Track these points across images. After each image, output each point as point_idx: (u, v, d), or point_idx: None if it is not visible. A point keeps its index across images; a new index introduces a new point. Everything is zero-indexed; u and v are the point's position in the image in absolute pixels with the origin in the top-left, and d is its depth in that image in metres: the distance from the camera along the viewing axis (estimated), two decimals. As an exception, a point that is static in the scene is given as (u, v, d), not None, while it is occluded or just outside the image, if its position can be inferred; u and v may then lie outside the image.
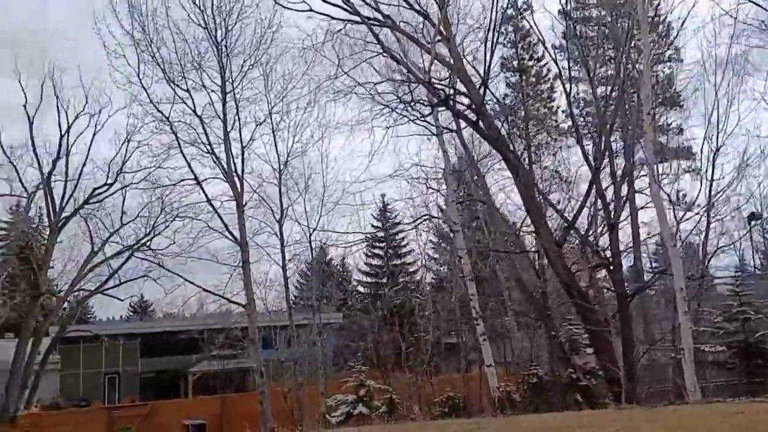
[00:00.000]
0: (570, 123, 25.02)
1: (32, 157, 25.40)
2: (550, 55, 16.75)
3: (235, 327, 35.22)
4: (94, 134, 25.15)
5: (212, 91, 17.95)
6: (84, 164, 25.41)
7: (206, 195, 17.33)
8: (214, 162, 17.59)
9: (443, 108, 14.43)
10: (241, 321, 20.17)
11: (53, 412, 28.41)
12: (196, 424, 23.80)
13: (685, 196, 19.77)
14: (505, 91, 25.24)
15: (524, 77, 24.79)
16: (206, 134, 17.77)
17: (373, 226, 53.34)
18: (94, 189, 25.74)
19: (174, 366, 40.10)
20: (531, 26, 18.32)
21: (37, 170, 25.85)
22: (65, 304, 27.35)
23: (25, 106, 24.77)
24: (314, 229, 20.24)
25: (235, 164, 17.98)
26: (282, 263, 19.40)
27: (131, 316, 59.98)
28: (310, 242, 20.22)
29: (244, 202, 17.89)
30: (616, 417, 10.69)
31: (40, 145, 25.82)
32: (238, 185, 17.87)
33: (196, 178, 17.25)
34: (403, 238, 55.03)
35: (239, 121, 17.88)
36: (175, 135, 17.08)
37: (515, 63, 24.85)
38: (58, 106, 24.77)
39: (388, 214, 54.53)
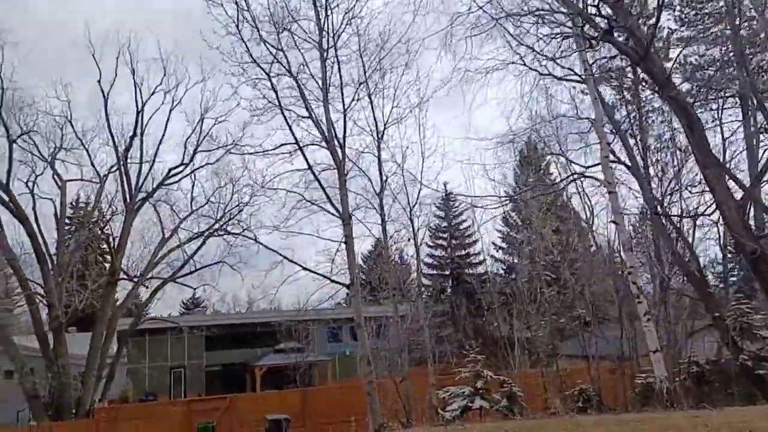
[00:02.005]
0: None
1: (107, 137, 24.37)
2: None
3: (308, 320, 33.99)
4: (171, 110, 23.88)
5: (308, 49, 16.17)
6: (160, 142, 24.20)
7: (307, 161, 15.49)
8: (315, 124, 15.74)
9: (589, 47, 12.25)
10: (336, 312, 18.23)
11: (125, 405, 27.33)
12: (279, 419, 22.05)
13: None
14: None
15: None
16: (303, 96, 15.98)
17: (435, 216, 51.31)
18: (170, 169, 24.49)
19: (239, 359, 39.08)
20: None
21: (108, 153, 24.85)
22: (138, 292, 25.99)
23: (99, 81, 23.59)
24: (416, 200, 18.11)
25: (335, 129, 16.17)
26: (384, 242, 17.43)
27: (184, 312, 59.32)
28: (411, 219, 18.18)
29: (345, 171, 16.03)
30: None
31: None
32: (340, 152, 16.01)
33: (297, 142, 15.41)
34: (467, 228, 52.86)
35: (341, 80, 16.04)
36: (276, 94, 15.28)
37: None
38: (134, 81, 23.50)
39: (451, 202, 52.38)
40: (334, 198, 15.98)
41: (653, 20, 11.31)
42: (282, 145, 15.35)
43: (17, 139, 22.28)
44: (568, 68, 12.56)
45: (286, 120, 15.30)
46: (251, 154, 15.67)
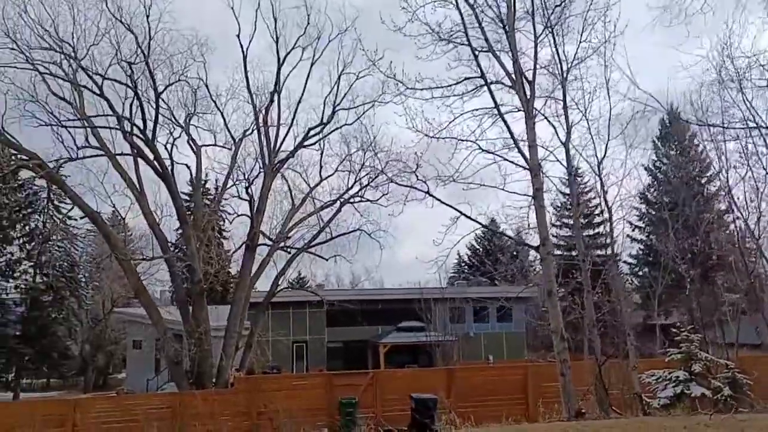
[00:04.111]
0: None
1: (244, 97, 23.26)
2: None
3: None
4: (312, 65, 22.32)
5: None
6: (299, 101, 22.82)
7: (494, 99, 13.19)
8: (495, 58, 13.39)
9: None
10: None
11: (262, 376, 26.56)
12: (429, 399, 20.10)
13: None
14: None
15: None
16: (481, 26, 13.68)
17: (560, 192, 47.75)
18: (309, 129, 23.09)
19: (360, 337, 38.21)
20: None
21: (240, 117, 23.85)
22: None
23: (238, 36, 22.43)
24: (604, 154, 15.26)
25: (521, 66, 13.76)
26: (574, 201, 14.85)
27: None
28: (600, 176, 15.29)
29: (533, 113, 13.61)
30: None
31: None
32: (528, 90, 13.61)
33: (483, 76, 13.17)
34: (595, 207, 48.87)
35: (533, 4, 13.55)
36: (461, 16, 13.05)
37: None
38: (276, 34, 22.12)
39: (579, 178, 48.47)
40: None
41: None
42: (466, 78, 13.10)
43: (163, 91, 21.52)
44: None
45: (473, 50, 13.01)
46: (429, 89, 13.32)
